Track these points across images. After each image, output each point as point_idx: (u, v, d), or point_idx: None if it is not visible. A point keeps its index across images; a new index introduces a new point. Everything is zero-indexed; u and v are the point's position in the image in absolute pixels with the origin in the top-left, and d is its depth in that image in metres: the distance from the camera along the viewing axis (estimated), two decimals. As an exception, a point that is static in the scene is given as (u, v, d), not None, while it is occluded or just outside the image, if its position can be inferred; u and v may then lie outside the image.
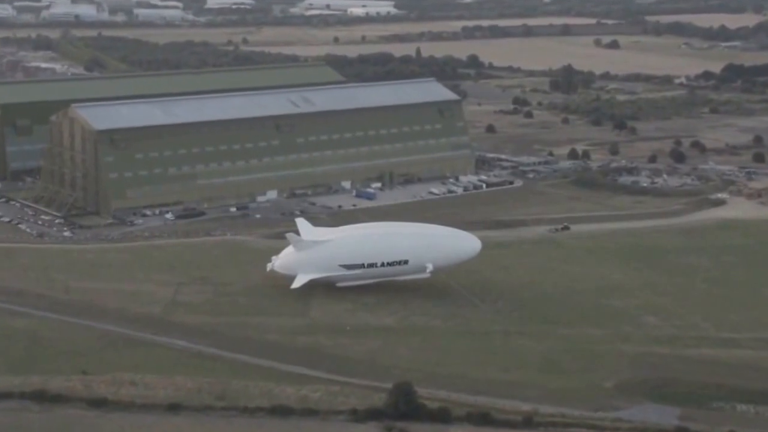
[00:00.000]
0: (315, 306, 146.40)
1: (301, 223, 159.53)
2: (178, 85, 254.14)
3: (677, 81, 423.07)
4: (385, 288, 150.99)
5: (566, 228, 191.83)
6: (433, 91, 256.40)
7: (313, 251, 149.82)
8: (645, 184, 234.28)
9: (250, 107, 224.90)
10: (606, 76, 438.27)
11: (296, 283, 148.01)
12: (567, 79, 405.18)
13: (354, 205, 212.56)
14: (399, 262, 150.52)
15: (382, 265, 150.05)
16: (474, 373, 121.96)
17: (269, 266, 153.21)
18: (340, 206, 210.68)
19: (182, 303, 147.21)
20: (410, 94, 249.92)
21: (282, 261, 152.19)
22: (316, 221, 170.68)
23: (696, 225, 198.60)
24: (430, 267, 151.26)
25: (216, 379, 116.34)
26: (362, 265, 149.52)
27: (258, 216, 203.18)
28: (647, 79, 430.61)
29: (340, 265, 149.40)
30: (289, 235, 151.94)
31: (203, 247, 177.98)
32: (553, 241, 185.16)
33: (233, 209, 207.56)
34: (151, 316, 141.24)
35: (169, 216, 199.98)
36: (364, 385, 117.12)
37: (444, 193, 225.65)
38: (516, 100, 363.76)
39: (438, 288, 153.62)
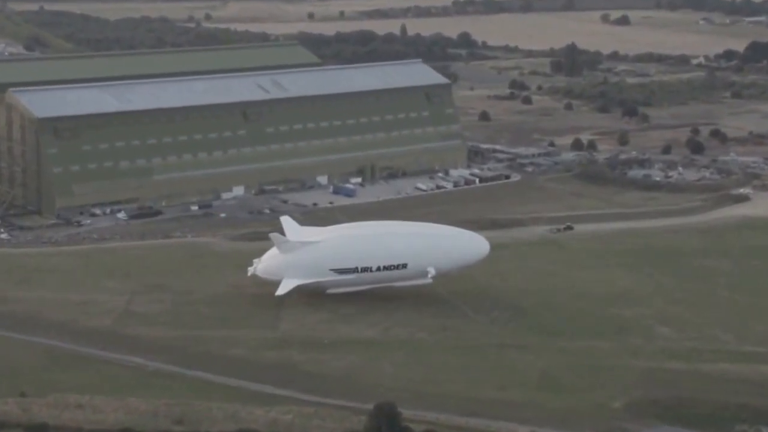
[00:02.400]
0: (286, 317, 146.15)
1: (287, 221, 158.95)
2: (132, 68, 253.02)
3: (695, 61, 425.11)
4: (365, 296, 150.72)
5: (569, 228, 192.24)
6: (419, 73, 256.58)
7: (300, 253, 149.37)
8: (658, 179, 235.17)
9: (213, 93, 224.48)
10: (614, 56, 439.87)
11: (281, 290, 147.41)
12: (570, 60, 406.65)
13: (331, 203, 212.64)
14: (397, 266, 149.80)
15: (378, 269, 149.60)
16: (465, 392, 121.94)
17: (250, 270, 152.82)
18: (315, 204, 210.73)
19: (136, 314, 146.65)
20: (394, 77, 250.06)
21: (265, 264, 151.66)
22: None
23: (716, 224, 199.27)
24: (432, 271, 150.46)
25: (174, 401, 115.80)
26: (356, 270, 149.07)
27: (223, 215, 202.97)
28: (661, 59, 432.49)
29: (331, 270, 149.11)
30: (273, 236, 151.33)
31: (160, 250, 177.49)
32: (555, 242, 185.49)
33: (195, 208, 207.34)
34: (101, 329, 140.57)
35: (121, 215, 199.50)
36: (341, 406, 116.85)
37: (432, 189, 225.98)
38: (513, 84, 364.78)
39: (425, 296, 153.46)
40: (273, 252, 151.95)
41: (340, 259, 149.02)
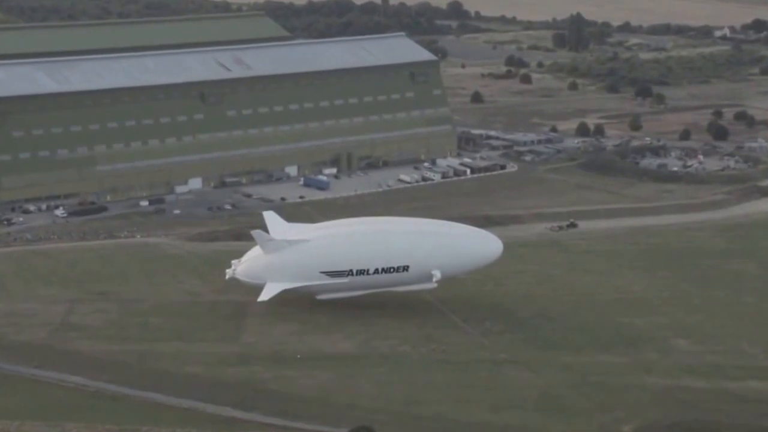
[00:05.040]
0: (250, 328, 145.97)
1: (271, 217, 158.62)
2: (72, 42, 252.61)
3: (718, 33, 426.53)
4: (341, 304, 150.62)
5: (573, 225, 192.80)
6: (403, 49, 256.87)
7: (286, 254, 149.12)
8: (675, 169, 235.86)
9: (166, 71, 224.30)
10: (626, 28, 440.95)
11: (264, 295, 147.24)
12: (575, 33, 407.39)
13: (301, 197, 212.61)
14: (397, 269, 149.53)
15: (376, 272, 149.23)
16: (455, 414, 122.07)
17: (228, 273, 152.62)
18: (283, 198, 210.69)
19: (76, 326, 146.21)
20: (374, 53, 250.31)
21: (246, 266, 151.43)
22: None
23: (741, 220, 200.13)
24: (437, 275, 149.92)
25: (119, 426, 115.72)
26: (349, 272, 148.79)
27: (177, 212, 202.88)
28: (679, 31, 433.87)
29: (322, 272, 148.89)
30: (256, 233, 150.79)
31: (104, 252, 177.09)
32: (557, 242, 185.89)
33: (144, 203, 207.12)
34: (34, 343, 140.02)
35: (59, 212, 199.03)
36: (312, 430, 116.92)
37: (417, 181, 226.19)
38: (510, 61, 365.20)
39: (409, 304, 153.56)
40: (255, 252, 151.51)
41: (333, 260, 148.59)
